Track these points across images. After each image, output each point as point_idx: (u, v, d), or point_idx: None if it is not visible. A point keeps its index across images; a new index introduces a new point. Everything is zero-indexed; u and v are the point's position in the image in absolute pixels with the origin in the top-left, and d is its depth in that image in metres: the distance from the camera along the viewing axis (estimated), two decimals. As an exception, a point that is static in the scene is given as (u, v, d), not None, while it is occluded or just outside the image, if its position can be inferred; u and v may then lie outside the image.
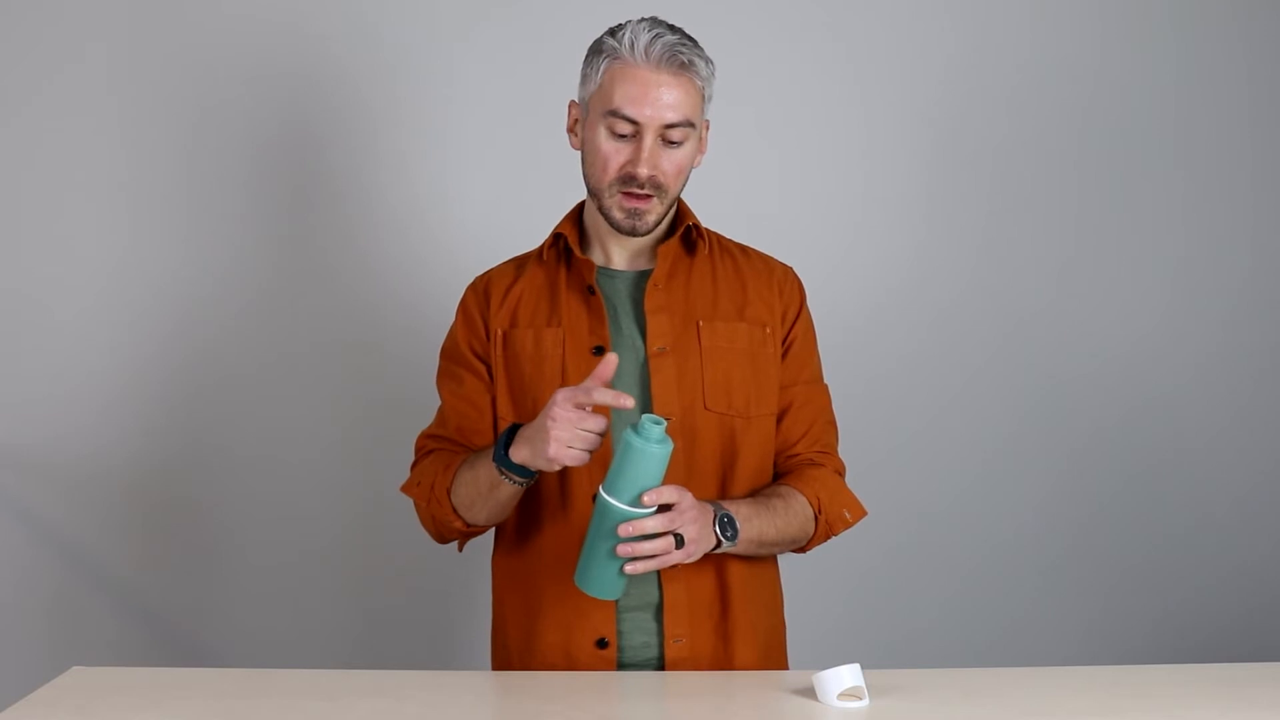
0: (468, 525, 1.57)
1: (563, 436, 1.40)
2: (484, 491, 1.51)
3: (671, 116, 1.52)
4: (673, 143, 1.54)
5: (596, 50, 1.57)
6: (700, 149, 1.62)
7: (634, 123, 1.52)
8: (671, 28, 1.55)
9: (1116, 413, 2.60)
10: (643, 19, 1.55)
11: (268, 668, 1.59)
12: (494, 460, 1.48)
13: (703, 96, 1.56)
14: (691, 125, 1.54)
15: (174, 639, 2.41)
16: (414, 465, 1.66)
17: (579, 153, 1.62)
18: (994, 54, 2.56)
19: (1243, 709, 1.33)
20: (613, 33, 1.55)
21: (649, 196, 1.55)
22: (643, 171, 1.53)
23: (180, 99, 2.40)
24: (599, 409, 1.46)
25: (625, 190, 1.54)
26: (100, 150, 2.39)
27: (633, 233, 1.58)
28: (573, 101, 1.63)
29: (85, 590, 2.39)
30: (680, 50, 1.52)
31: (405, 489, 1.63)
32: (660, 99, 1.51)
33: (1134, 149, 2.60)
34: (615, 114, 1.52)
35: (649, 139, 1.52)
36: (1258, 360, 2.63)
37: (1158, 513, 2.61)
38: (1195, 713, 1.32)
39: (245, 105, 2.40)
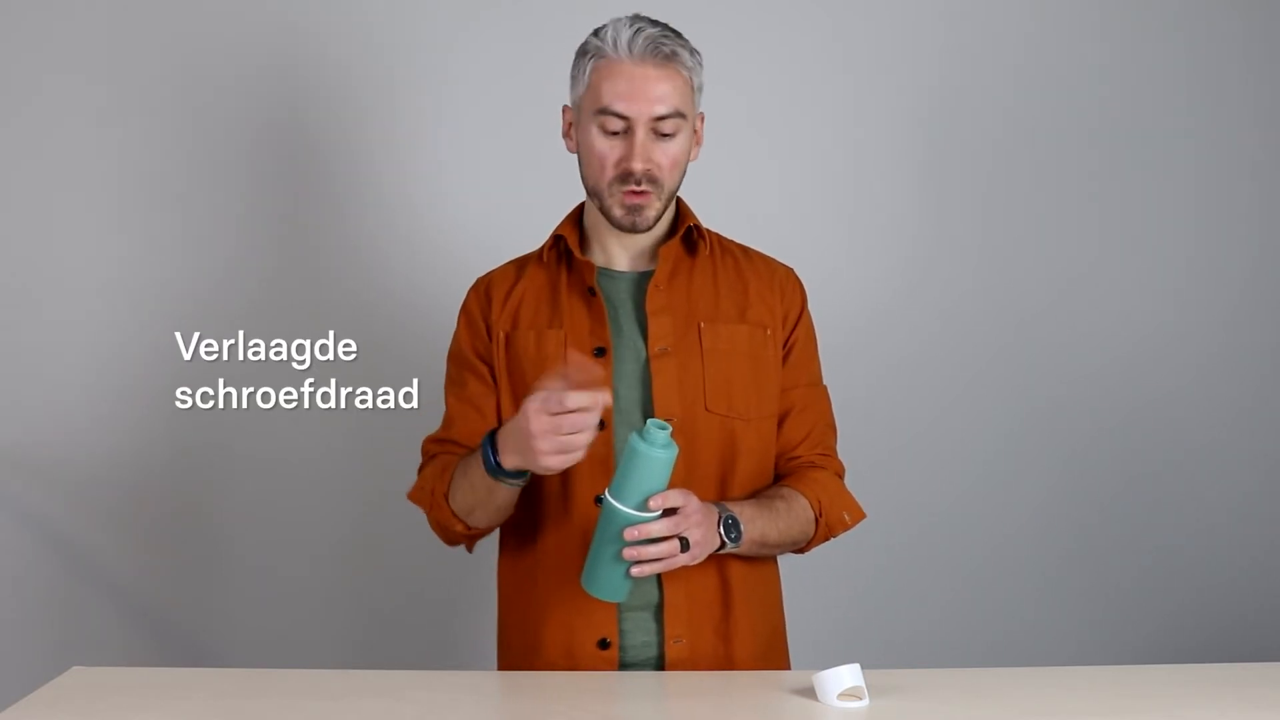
0: (469, 529, 1.57)
1: (547, 448, 1.39)
2: (482, 498, 1.51)
3: (660, 109, 1.53)
4: (665, 135, 1.55)
5: (582, 52, 1.58)
6: (696, 141, 1.63)
7: (624, 118, 1.53)
8: (654, 22, 1.56)
9: (1118, 414, 2.59)
10: (625, 16, 1.56)
11: (268, 668, 1.59)
12: (486, 470, 1.47)
13: (691, 87, 1.57)
14: (682, 116, 1.55)
15: (174, 639, 2.41)
16: (420, 470, 1.66)
17: (575, 156, 1.63)
18: (994, 54, 2.56)
19: (1243, 709, 1.33)
20: (597, 33, 1.57)
21: (647, 192, 1.55)
22: (637, 166, 1.53)
23: (176, 99, 2.39)
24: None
25: (625, 189, 1.55)
26: (99, 150, 2.39)
27: (633, 229, 1.58)
28: (565, 106, 1.64)
29: (86, 590, 2.39)
30: (663, 42, 1.53)
31: (411, 496, 1.63)
32: (648, 92, 1.52)
33: (1136, 150, 2.59)
34: (605, 111, 1.54)
35: (640, 133, 1.53)
36: (1260, 362, 2.63)
37: (1159, 514, 2.60)
38: (1196, 713, 1.32)
39: (242, 105, 2.40)
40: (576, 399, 1.37)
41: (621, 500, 1.38)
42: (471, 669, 1.66)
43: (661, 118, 1.53)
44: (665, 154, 1.55)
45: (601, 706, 1.38)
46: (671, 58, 1.54)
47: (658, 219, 1.59)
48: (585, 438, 1.39)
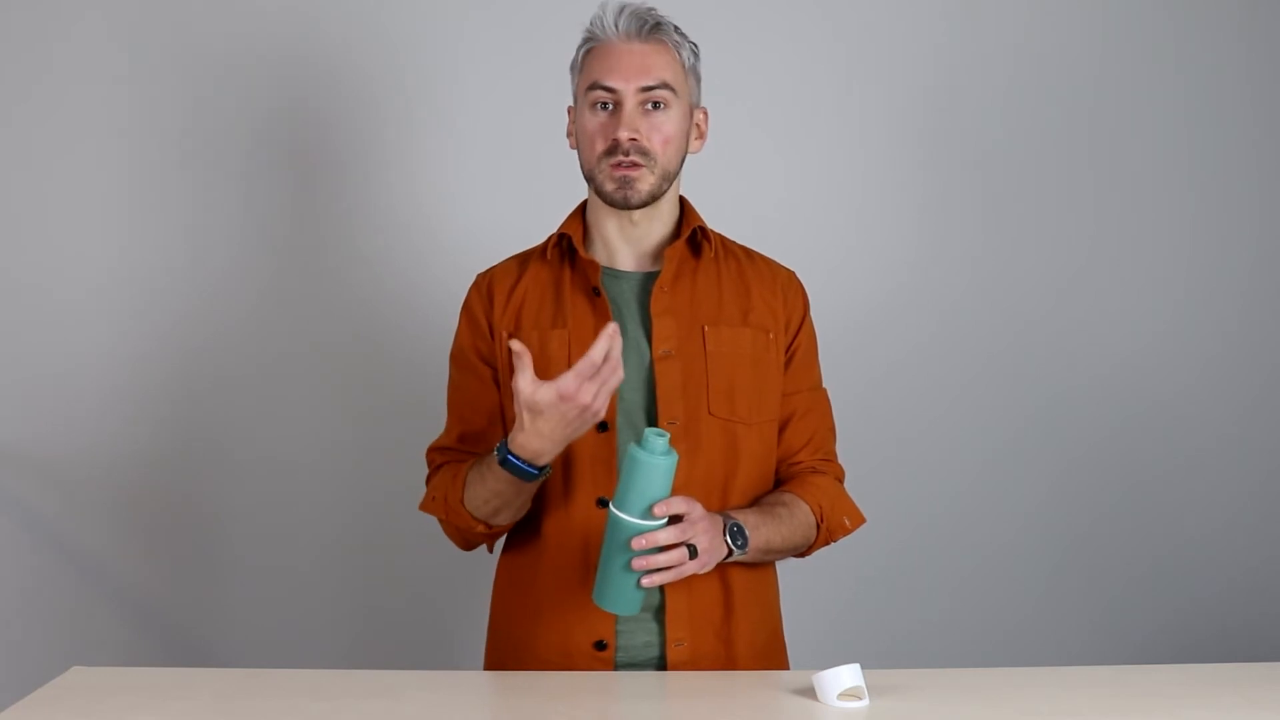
0: (491, 528, 1.56)
1: (567, 433, 1.41)
2: (510, 499, 1.51)
3: (647, 80, 1.54)
4: (655, 108, 1.55)
5: (578, 44, 1.61)
6: (699, 135, 1.64)
7: (612, 90, 1.55)
8: (645, 7, 1.59)
9: (1118, 414, 2.59)
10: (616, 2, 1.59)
11: (268, 668, 1.59)
12: (519, 478, 1.46)
13: (682, 65, 1.59)
14: (671, 90, 1.56)
15: (174, 639, 2.41)
16: (428, 480, 1.66)
17: (577, 153, 1.63)
18: (994, 57, 2.56)
19: (1244, 709, 1.33)
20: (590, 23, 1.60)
21: (638, 165, 1.55)
22: (623, 135, 1.54)
23: (181, 94, 2.40)
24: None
25: (613, 161, 1.55)
26: (100, 144, 2.39)
27: (625, 204, 1.57)
28: (569, 107, 1.65)
29: (85, 590, 2.39)
30: (646, 16, 1.56)
31: (424, 507, 1.62)
32: (633, 64, 1.54)
33: (1137, 152, 2.60)
34: (594, 86, 1.56)
35: (629, 104, 1.54)
36: (1260, 365, 2.63)
37: (1158, 514, 2.61)
38: (1196, 713, 1.32)
39: (247, 100, 2.41)
40: (569, 380, 1.36)
41: (626, 510, 1.38)
42: (471, 669, 1.66)
43: (649, 88, 1.54)
44: (655, 127, 1.55)
45: (601, 706, 1.38)
46: (656, 30, 1.56)
47: (652, 196, 1.58)
48: (619, 375, 1.38)
